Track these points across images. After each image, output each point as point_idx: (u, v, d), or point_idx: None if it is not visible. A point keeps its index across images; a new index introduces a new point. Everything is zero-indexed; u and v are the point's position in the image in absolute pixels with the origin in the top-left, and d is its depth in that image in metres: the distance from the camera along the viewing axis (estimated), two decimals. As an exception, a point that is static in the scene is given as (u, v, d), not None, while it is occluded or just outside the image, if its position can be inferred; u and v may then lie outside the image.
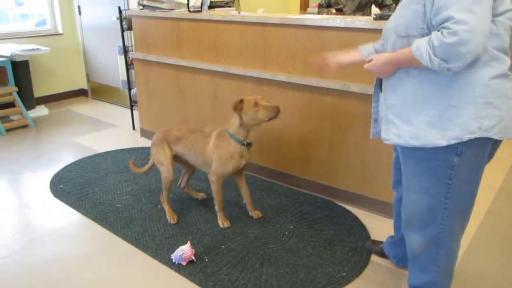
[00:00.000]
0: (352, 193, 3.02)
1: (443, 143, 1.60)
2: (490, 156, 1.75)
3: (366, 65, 1.80)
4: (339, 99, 2.87)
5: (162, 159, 2.83)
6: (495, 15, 1.51)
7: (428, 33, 1.55)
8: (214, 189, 2.69)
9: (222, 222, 2.76)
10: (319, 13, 4.51)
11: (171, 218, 2.82)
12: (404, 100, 1.70)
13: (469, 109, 1.55)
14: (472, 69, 1.54)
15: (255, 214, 2.87)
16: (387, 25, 1.77)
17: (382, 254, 2.45)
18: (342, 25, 2.69)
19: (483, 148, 1.64)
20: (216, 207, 2.76)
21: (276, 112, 2.46)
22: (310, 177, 3.21)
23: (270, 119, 2.49)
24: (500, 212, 3.00)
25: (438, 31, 1.47)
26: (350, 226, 2.77)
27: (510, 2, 1.55)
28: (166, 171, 2.81)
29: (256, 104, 2.48)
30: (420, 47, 1.51)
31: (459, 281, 2.17)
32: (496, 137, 1.58)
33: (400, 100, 1.71)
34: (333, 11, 4.37)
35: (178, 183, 3.15)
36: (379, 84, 1.91)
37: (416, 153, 1.72)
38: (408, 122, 1.68)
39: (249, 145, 2.62)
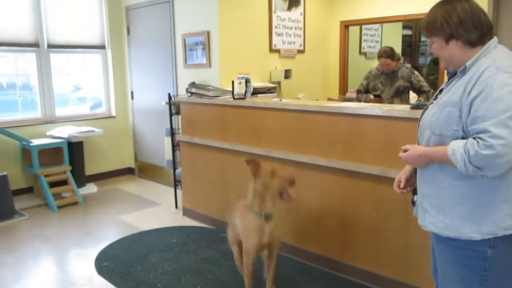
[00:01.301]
0: (394, 280, 2.95)
1: (478, 237, 1.63)
2: None
3: (401, 155, 1.86)
4: (378, 184, 2.91)
5: (230, 240, 2.96)
6: None
7: (463, 136, 1.63)
8: (244, 269, 2.69)
9: None
10: (357, 98, 4.68)
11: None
12: (438, 192, 1.74)
13: (503, 207, 1.60)
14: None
15: None
16: (423, 119, 1.84)
17: None
18: (380, 113, 2.81)
19: None
20: None
21: (290, 183, 2.42)
22: (350, 262, 3.17)
23: (283, 192, 2.45)
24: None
25: (474, 139, 1.55)
26: (393, 316, 2.68)
27: None
28: (234, 251, 2.91)
29: (273, 172, 2.48)
30: (456, 152, 1.58)
31: None
32: None
33: (435, 191, 1.75)
34: (372, 96, 4.52)
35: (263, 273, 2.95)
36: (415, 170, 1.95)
37: (451, 242, 1.73)
38: (443, 213, 1.72)
39: (266, 217, 2.56)
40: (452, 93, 1.69)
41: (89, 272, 3.31)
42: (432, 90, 4.27)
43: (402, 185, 2.00)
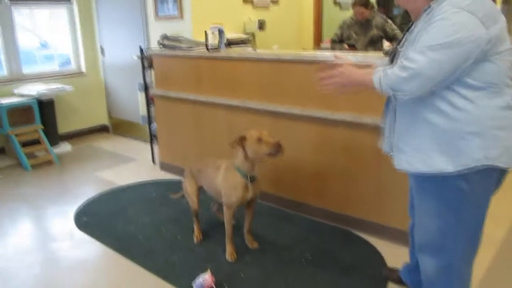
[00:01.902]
0: (367, 221, 3.07)
1: (451, 169, 1.69)
2: (498, 183, 1.82)
3: (336, 79, 1.89)
4: (352, 131, 2.97)
5: (189, 192, 3.04)
6: (495, 53, 1.62)
7: None
8: (225, 220, 2.78)
9: (230, 255, 2.78)
10: (332, 48, 4.68)
11: (196, 237, 3.01)
12: (414, 129, 1.80)
13: (476, 140, 1.66)
14: (477, 103, 1.65)
15: (252, 244, 2.92)
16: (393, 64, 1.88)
17: (399, 282, 2.48)
18: (354, 60, 2.82)
19: (490, 175, 1.72)
20: (226, 237, 2.82)
21: (276, 148, 2.51)
22: (325, 206, 3.27)
23: (271, 154, 2.54)
24: (517, 239, 3.01)
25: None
26: (367, 255, 2.81)
27: (510, 42, 1.67)
28: (191, 201, 3.04)
29: (259, 139, 2.55)
30: (377, 73, 1.75)
31: None
32: (502, 165, 1.68)
33: (411, 129, 1.81)
34: (346, 46, 4.53)
35: (211, 206, 3.33)
36: (387, 104, 2.01)
37: (427, 179, 1.80)
38: (418, 150, 1.78)
39: (252, 179, 2.68)
40: (414, 34, 1.74)
41: (69, 228, 3.32)
42: None
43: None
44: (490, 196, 1.81)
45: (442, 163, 1.71)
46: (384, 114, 2.06)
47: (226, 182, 2.71)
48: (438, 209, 1.83)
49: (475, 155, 1.66)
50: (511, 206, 3.49)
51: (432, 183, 1.80)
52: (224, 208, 2.76)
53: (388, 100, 2.01)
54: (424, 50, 1.61)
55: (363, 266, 2.67)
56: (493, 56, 1.63)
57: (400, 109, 1.88)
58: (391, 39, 4.39)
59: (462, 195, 1.74)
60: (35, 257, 2.93)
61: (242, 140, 2.63)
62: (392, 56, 1.91)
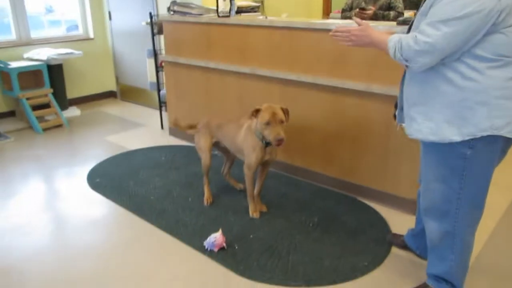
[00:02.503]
0: (373, 189, 3.16)
1: (458, 139, 1.77)
2: (503, 153, 1.89)
3: (352, 36, 1.99)
4: (362, 100, 3.02)
5: (202, 146, 3.09)
6: (505, 26, 1.65)
7: None
8: (246, 180, 2.89)
9: (252, 212, 2.94)
10: (343, 18, 4.65)
11: (206, 200, 3.09)
12: (425, 98, 1.86)
13: (482, 110, 1.72)
14: (486, 74, 1.70)
15: (261, 207, 3.02)
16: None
17: (403, 246, 2.58)
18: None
19: (494, 144, 1.79)
20: (248, 196, 2.95)
21: (276, 143, 2.57)
22: (333, 174, 3.35)
23: (268, 143, 2.68)
24: (518, 209, 3.10)
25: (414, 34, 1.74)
26: (372, 220, 2.91)
27: None
28: (203, 157, 3.09)
29: (268, 122, 2.60)
30: (392, 40, 1.82)
31: (475, 275, 2.29)
32: (507, 135, 1.75)
33: (423, 99, 1.87)
34: (357, 10, 4.48)
35: (222, 170, 3.39)
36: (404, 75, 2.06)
37: (435, 146, 1.88)
38: (429, 119, 1.85)
39: (267, 144, 2.74)
40: (425, 5, 1.79)
41: (82, 188, 3.42)
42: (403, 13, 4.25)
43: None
44: (494, 165, 1.88)
45: (449, 133, 1.79)
46: (401, 87, 2.12)
47: (246, 143, 2.81)
48: (443, 175, 1.91)
49: (481, 124, 1.73)
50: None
51: (439, 150, 1.88)
52: (245, 168, 2.86)
53: (405, 73, 2.07)
54: (437, 24, 1.66)
55: (368, 231, 2.77)
56: (505, 28, 1.66)
57: (411, 79, 1.93)
58: (390, 9, 4.34)
59: (467, 162, 1.81)
60: (50, 215, 3.04)
61: (256, 112, 2.69)
62: (410, 25, 1.95)
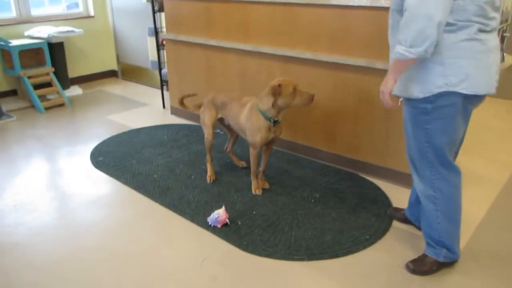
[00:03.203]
0: (375, 165, 3.18)
1: (420, 95, 1.93)
2: (466, 111, 1.98)
3: (387, 97, 2.02)
4: (364, 76, 3.01)
5: (206, 121, 3.10)
6: None
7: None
8: (251, 158, 2.91)
9: (255, 189, 2.98)
10: None
11: (210, 177, 3.12)
12: None
13: (438, 69, 1.86)
14: (443, 36, 1.80)
15: (264, 184, 3.06)
16: None
17: (404, 220, 2.61)
18: (368, 4, 2.82)
19: (453, 100, 1.90)
20: (251, 173, 2.98)
21: (310, 100, 2.65)
22: (334, 151, 3.37)
23: (305, 105, 2.68)
24: (518, 184, 3.12)
25: None
26: (373, 196, 2.93)
27: None
28: (206, 133, 3.12)
29: (294, 90, 2.63)
30: (395, 49, 1.84)
31: (468, 257, 2.31)
32: (463, 91, 1.86)
33: None
34: None
35: (225, 147, 3.43)
36: None
37: (408, 102, 2.05)
38: (402, 78, 1.98)
39: (276, 122, 2.77)
40: None
41: (85, 166, 3.45)
42: None
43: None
44: (457, 122, 1.96)
45: (413, 90, 1.95)
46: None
47: (250, 123, 2.81)
48: (413, 129, 2.07)
49: (437, 82, 1.87)
50: (515, 153, 3.58)
51: (408, 107, 2.05)
52: (250, 148, 2.89)
53: None
54: None
55: (370, 206, 2.80)
56: None
57: (393, 43, 2.02)
58: None
59: (429, 116, 1.95)
60: (54, 194, 3.07)
61: (279, 87, 2.62)
62: None
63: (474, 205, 2.79)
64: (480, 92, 1.87)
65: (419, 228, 2.52)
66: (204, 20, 3.89)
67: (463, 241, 2.40)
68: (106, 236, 2.57)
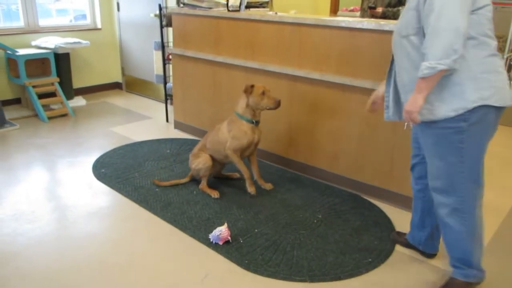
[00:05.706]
0: (378, 188, 3.16)
1: (452, 114, 1.90)
2: (496, 124, 1.99)
3: (410, 119, 2.00)
4: (369, 97, 3.01)
5: (204, 167, 3.19)
6: (477, 8, 1.81)
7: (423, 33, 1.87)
8: (235, 161, 3.06)
9: (250, 186, 3.15)
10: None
11: (213, 193, 3.13)
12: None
13: (470, 84, 1.87)
14: (470, 52, 1.84)
15: (267, 186, 3.23)
16: (394, 33, 2.06)
17: (407, 245, 2.59)
18: (376, 27, 2.85)
19: (487, 114, 1.90)
20: (244, 176, 3.11)
21: (276, 105, 2.96)
22: (338, 172, 3.36)
23: (270, 108, 3.00)
24: (521, 212, 3.11)
25: None
26: (376, 218, 2.92)
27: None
28: (203, 161, 3.16)
29: (263, 93, 2.96)
30: (423, 66, 1.82)
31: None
32: (495, 104, 1.88)
33: (413, 83, 1.94)
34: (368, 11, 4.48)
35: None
36: (389, 73, 2.17)
37: (432, 125, 1.99)
38: (425, 101, 1.93)
39: (257, 122, 3.06)
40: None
41: (87, 178, 3.43)
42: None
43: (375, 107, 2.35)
44: (488, 137, 1.98)
45: (442, 111, 1.92)
46: (387, 84, 2.20)
47: (233, 131, 3.01)
48: (442, 152, 2.01)
49: (471, 97, 1.86)
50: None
51: (436, 128, 1.98)
52: (229, 151, 3.03)
53: (390, 69, 2.17)
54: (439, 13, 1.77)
55: (372, 229, 2.78)
56: (476, 10, 1.80)
57: (401, 69, 2.03)
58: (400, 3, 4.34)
59: (463, 135, 1.93)
60: (55, 204, 3.05)
61: (251, 88, 2.97)
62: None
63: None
64: (507, 104, 1.92)
65: (421, 252, 2.51)
66: (212, 37, 3.92)
67: (467, 268, 2.37)
68: (106, 249, 2.54)
